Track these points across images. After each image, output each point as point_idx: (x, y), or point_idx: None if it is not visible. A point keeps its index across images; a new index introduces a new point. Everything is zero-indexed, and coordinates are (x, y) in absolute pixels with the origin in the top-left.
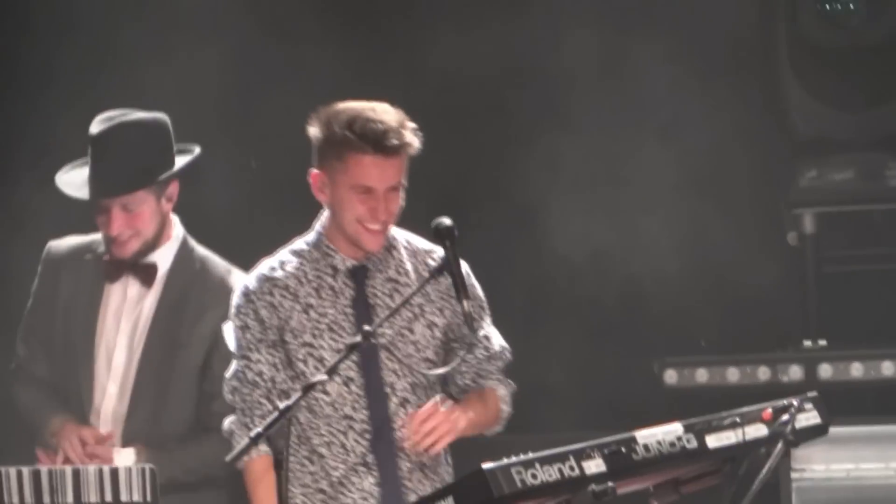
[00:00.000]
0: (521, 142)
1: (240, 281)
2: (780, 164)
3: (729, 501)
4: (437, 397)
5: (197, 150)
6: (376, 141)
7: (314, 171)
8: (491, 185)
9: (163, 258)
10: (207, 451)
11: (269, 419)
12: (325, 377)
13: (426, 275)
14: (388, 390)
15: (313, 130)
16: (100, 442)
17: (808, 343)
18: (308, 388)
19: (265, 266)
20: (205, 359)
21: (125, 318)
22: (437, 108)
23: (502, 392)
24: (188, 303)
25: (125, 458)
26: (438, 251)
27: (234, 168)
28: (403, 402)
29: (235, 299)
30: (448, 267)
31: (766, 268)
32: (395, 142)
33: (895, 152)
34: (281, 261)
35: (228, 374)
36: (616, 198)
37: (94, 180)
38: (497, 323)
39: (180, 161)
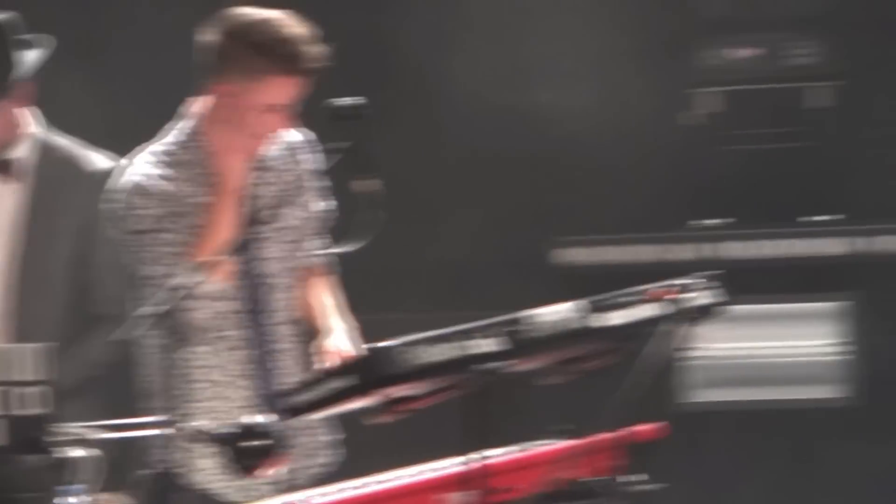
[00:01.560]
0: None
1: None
2: (683, 44)
3: (624, 380)
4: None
5: (46, 43)
6: (300, 62)
7: (218, 84)
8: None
9: (21, 152)
10: (94, 348)
11: None
12: None
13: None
14: None
15: (212, 40)
16: None
17: (709, 221)
18: None
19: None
20: (82, 246)
21: None
22: None
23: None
24: (56, 193)
25: None
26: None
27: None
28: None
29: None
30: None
31: (668, 147)
32: (315, 64)
33: (797, 31)
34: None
35: None
36: (515, 66)
37: None
38: (398, 200)
39: (27, 58)
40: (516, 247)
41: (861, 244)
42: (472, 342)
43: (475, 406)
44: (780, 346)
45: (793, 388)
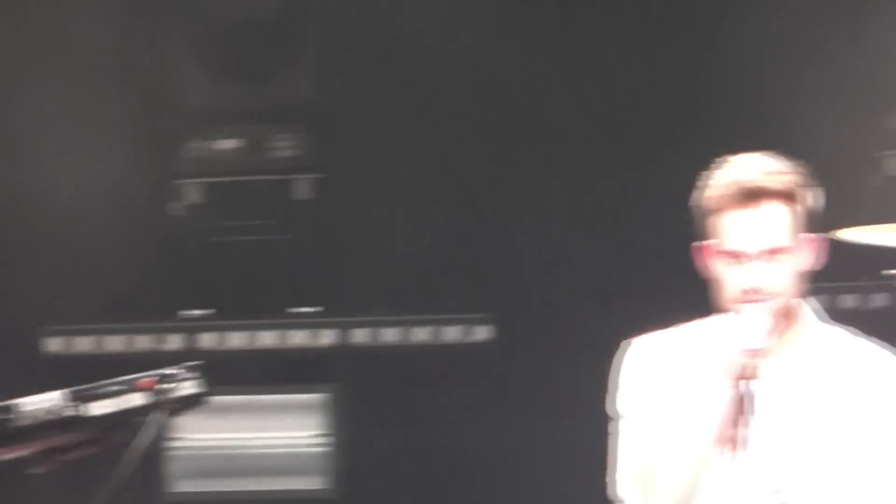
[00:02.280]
0: None
1: None
2: (171, 135)
3: (111, 470)
4: None
5: None
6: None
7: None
8: None
9: None
10: None
11: None
12: None
13: None
14: None
15: None
16: None
17: (190, 312)
18: None
19: None
20: None
21: None
22: None
23: None
24: None
25: None
26: None
27: None
28: None
29: None
30: None
31: (152, 237)
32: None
33: (279, 123)
34: None
35: None
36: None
37: None
38: None
39: None
40: (5, 333)
41: (338, 336)
42: None
43: None
44: (264, 437)
45: (276, 479)
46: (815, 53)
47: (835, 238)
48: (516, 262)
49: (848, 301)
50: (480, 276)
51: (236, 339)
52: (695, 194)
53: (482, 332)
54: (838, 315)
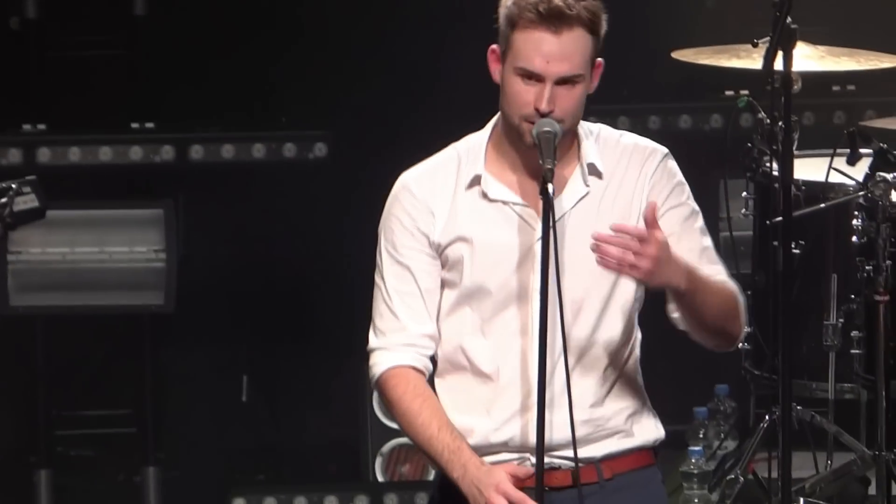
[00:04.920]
0: None
1: None
2: None
3: None
4: None
5: None
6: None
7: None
8: None
9: None
10: None
11: None
12: None
13: None
14: None
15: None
16: None
17: (27, 127)
18: None
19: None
20: None
21: None
22: None
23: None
24: None
25: None
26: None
27: None
28: None
29: None
30: None
31: None
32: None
33: None
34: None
35: None
36: None
37: None
38: None
39: None
40: None
41: (175, 152)
42: None
43: None
44: (101, 252)
45: (113, 293)
46: None
47: (672, 58)
48: (352, 80)
49: (685, 121)
50: (317, 94)
51: (74, 154)
52: None
53: (319, 149)
54: (677, 134)
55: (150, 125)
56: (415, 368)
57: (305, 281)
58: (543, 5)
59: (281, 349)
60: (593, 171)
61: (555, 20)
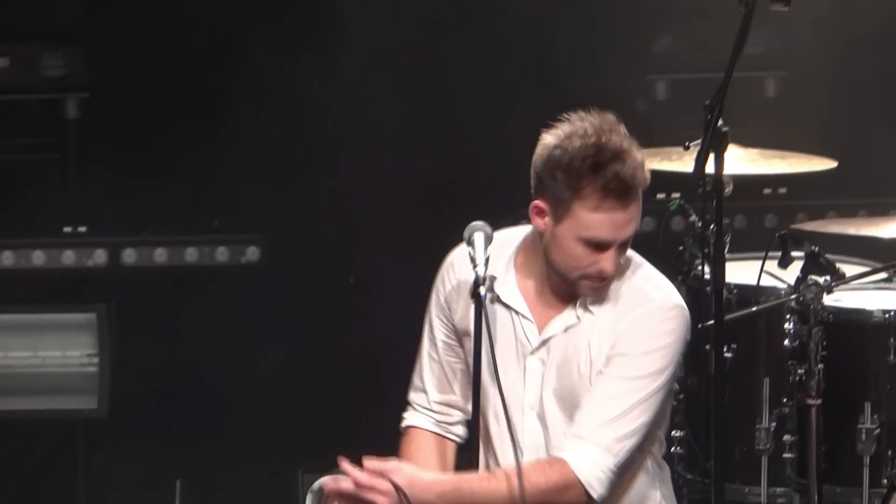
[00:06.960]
0: None
1: None
2: None
3: None
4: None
5: None
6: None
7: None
8: None
9: None
10: None
11: None
12: None
13: None
14: None
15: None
16: None
17: None
18: None
19: None
20: None
21: None
22: None
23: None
24: None
25: None
26: None
27: None
28: None
29: None
30: None
31: None
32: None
33: (49, 42)
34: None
35: None
36: None
37: None
38: None
39: None
40: None
41: (108, 256)
42: None
43: None
44: (34, 357)
45: (46, 398)
46: None
47: None
48: (285, 185)
49: None
50: (250, 198)
51: (7, 259)
52: (540, 153)
53: (252, 253)
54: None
55: (82, 229)
56: (431, 431)
57: (238, 385)
58: (613, 184)
59: (214, 452)
60: (583, 305)
61: (623, 196)
